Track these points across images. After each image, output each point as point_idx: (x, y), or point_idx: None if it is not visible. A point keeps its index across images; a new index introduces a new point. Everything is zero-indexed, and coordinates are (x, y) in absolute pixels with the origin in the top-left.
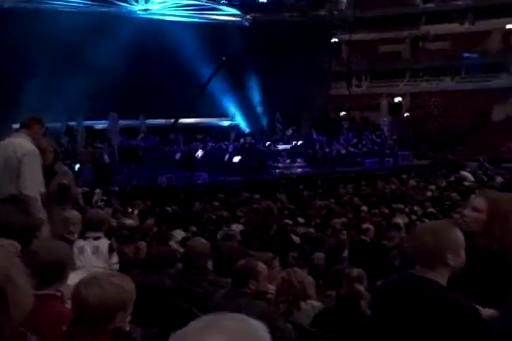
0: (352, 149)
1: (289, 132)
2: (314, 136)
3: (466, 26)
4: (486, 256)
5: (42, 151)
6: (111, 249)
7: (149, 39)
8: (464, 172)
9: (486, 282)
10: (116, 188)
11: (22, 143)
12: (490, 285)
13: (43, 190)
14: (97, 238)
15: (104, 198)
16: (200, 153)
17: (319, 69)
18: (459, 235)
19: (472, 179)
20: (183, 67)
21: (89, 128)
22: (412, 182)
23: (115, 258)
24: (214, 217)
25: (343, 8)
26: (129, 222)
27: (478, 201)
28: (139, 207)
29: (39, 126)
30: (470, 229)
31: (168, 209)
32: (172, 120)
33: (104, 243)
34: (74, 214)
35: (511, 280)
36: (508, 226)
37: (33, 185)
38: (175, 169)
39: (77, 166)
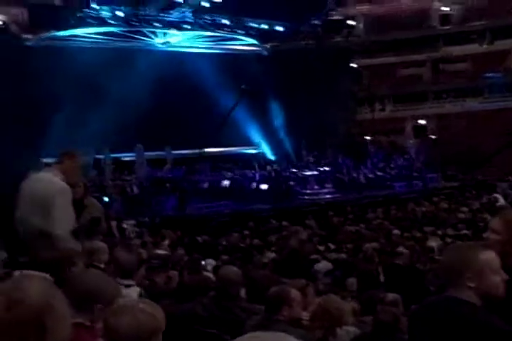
0: (380, 173)
1: (311, 159)
2: (341, 161)
3: (485, 46)
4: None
5: (72, 186)
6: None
7: (170, 71)
8: (496, 194)
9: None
10: (146, 219)
11: (52, 179)
12: None
13: (74, 225)
14: (128, 286)
15: (137, 230)
16: (227, 182)
17: (341, 95)
18: (487, 257)
19: (502, 199)
20: (205, 97)
21: (117, 161)
22: (444, 204)
23: None
24: (244, 245)
25: (360, 33)
26: (159, 252)
27: (495, 222)
28: (169, 238)
29: (71, 161)
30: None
31: (199, 238)
32: (198, 150)
33: (134, 291)
34: (101, 244)
35: None
36: None
37: (64, 224)
38: (203, 198)
39: (106, 199)
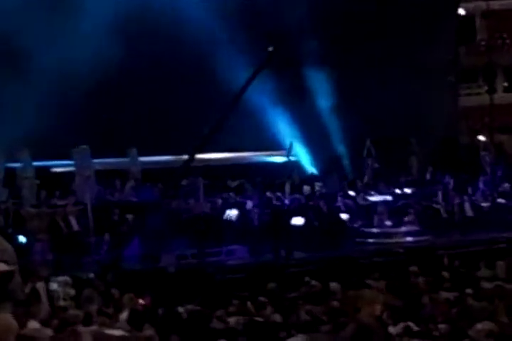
0: (501, 200)
1: (380, 174)
2: (432, 178)
3: None
4: None
5: None
6: None
7: (141, 16)
8: None
9: None
10: (91, 275)
11: None
12: None
13: None
14: None
15: (71, 293)
16: (233, 213)
17: (437, 63)
18: None
19: None
20: (202, 64)
21: (44, 173)
22: None
23: None
24: (261, 320)
25: None
26: (112, 333)
27: None
28: (130, 306)
29: None
30: None
31: (181, 310)
32: (185, 156)
33: None
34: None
35: None
36: None
37: None
38: (191, 241)
39: (24, 239)
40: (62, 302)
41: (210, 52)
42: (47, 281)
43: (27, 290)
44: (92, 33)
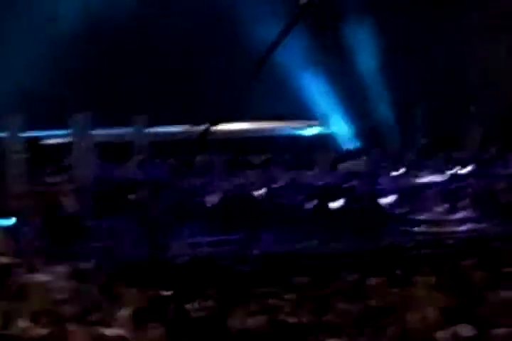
0: None
1: (432, 152)
2: (494, 158)
3: None
4: None
5: None
6: None
7: None
8: None
9: None
10: (90, 265)
11: None
12: None
13: None
14: None
15: (67, 286)
16: (260, 192)
17: (505, 19)
18: None
19: None
20: (222, 16)
21: (34, 145)
22: None
23: None
24: (286, 320)
25: None
26: (111, 332)
27: None
28: (133, 304)
29: None
30: None
31: (193, 307)
32: (201, 127)
33: None
34: None
35: None
36: None
37: None
38: (208, 227)
39: (11, 221)
40: (56, 297)
41: (232, 3)
42: (39, 272)
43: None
44: None
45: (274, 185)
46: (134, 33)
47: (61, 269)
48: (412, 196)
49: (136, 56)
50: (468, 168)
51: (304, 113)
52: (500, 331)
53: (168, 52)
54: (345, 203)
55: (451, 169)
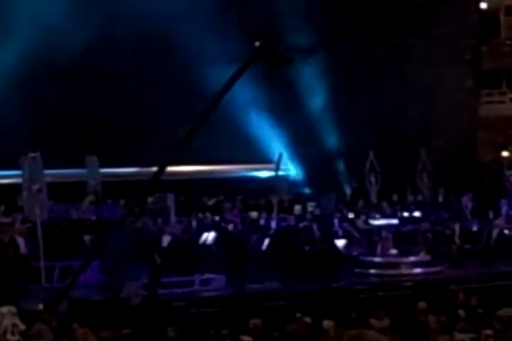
0: None
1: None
2: (445, 200)
3: None
4: None
5: None
6: None
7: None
8: None
9: None
10: (40, 306)
11: None
12: None
13: None
14: None
15: (20, 327)
16: (210, 236)
17: (454, 65)
18: None
19: None
20: (177, 60)
21: None
22: None
23: None
24: None
25: None
26: None
27: None
28: None
29: None
30: None
31: None
32: (153, 168)
33: None
34: None
35: None
36: None
37: None
38: (159, 268)
39: None
40: (10, 337)
41: (186, 45)
42: None
43: None
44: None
45: (228, 227)
46: (84, 78)
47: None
48: (367, 238)
49: (88, 102)
50: (420, 212)
51: (258, 156)
52: None
53: (123, 99)
54: (300, 245)
55: (404, 212)
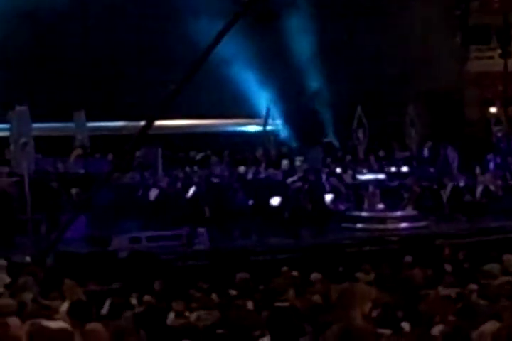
0: None
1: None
2: (432, 155)
3: None
4: None
5: None
6: None
7: None
8: None
9: None
10: (27, 259)
11: None
12: None
13: None
14: None
15: (5, 280)
16: (193, 189)
17: (444, 21)
18: None
19: None
20: (163, 13)
21: None
22: None
23: None
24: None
25: None
26: (50, 325)
27: None
28: (71, 297)
29: None
30: None
31: (133, 302)
32: (141, 122)
33: None
34: None
35: None
36: None
37: None
38: (147, 221)
39: None
40: None
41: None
42: None
43: None
44: None
45: (215, 181)
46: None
47: None
48: (354, 193)
49: (76, 56)
50: (407, 167)
51: (246, 111)
52: (439, 327)
53: (111, 52)
54: (287, 200)
55: (391, 167)
